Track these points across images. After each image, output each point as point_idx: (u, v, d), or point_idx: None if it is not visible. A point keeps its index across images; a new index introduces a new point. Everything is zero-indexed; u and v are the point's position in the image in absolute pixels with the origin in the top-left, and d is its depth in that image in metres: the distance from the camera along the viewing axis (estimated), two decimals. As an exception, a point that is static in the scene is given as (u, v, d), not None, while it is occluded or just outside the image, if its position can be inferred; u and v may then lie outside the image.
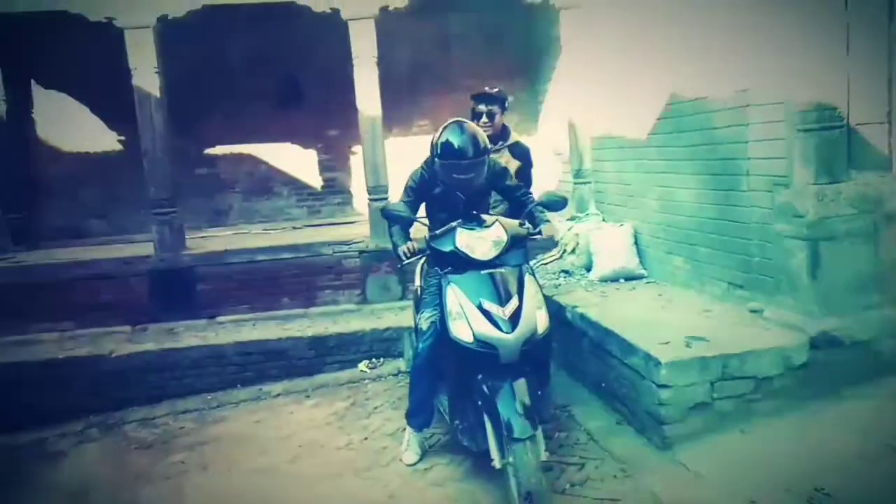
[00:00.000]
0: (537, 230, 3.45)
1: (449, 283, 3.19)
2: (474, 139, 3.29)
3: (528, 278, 3.22)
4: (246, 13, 5.82)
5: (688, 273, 4.74)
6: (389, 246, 3.59)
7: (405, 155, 5.48)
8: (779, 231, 3.74)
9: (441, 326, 3.29)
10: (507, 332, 2.99)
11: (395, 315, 5.55)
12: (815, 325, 3.54)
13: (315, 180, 7.90)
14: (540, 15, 6.60)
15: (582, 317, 4.32)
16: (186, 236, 6.11)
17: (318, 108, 7.54)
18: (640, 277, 5.20)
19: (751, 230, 4.02)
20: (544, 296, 3.35)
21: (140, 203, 6.51)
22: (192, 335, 5.41)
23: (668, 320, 4.01)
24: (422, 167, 3.58)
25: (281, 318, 5.70)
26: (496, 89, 4.21)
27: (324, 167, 7.88)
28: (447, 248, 3.25)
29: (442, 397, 3.55)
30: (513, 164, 4.15)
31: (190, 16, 5.58)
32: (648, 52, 4.93)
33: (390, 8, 5.73)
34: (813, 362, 3.47)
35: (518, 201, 3.70)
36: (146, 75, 5.66)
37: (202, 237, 6.73)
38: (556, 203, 3.56)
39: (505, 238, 3.26)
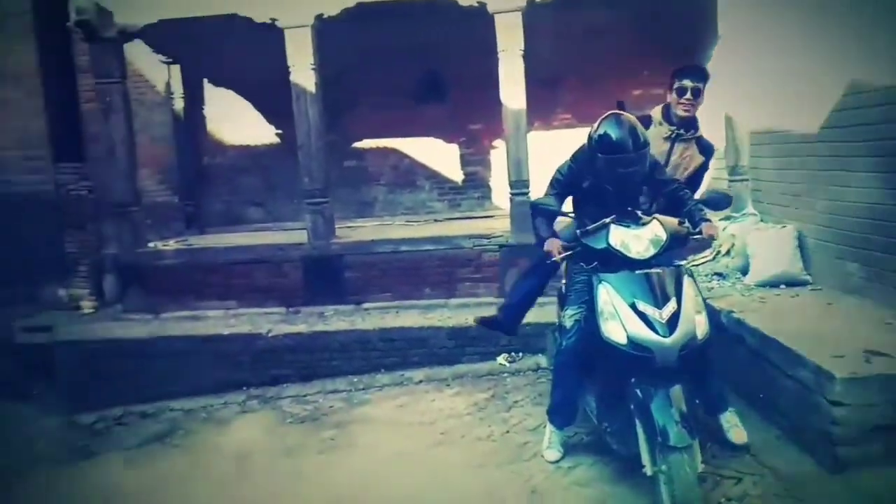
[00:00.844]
0: (697, 230, 3.24)
1: (601, 281, 3.08)
2: (634, 132, 3.13)
3: (686, 280, 3.05)
4: (395, 9, 5.99)
5: (863, 281, 4.29)
6: (529, 241, 3.53)
7: (546, 149, 5.41)
8: None
9: (585, 324, 3.21)
10: (664, 336, 2.86)
11: (534, 310, 5.49)
12: None
13: (456, 174, 8.03)
14: (695, 3, 6.24)
15: (739, 322, 4.05)
16: (335, 226, 6.43)
17: (462, 102, 7.63)
18: (803, 284, 4.78)
19: (948, 236, 3.57)
20: (703, 300, 3.17)
21: (294, 193, 6.96)
22: (340, 320, 5.70)
23: (840, 331, 3.65)
24: (570, 160, 3.49)
25: (422, 308, 5.84)
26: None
27: (465, 161, 7.98)
28: (600, 246, 3.14)
29: (588, 397, 3.46)
30: (696, 160, 3.77)
31: (343, 14, 5.85)
32: (822, 38, 4.50)
33: (537, 0, 5.66)
34: None
35: (673, 197, 3.45)
36: (303, 72, 5.99)
37: (349, 227, 7.05)
38: (719, 200, 3.35)
39: (664, 236, 3.10)
